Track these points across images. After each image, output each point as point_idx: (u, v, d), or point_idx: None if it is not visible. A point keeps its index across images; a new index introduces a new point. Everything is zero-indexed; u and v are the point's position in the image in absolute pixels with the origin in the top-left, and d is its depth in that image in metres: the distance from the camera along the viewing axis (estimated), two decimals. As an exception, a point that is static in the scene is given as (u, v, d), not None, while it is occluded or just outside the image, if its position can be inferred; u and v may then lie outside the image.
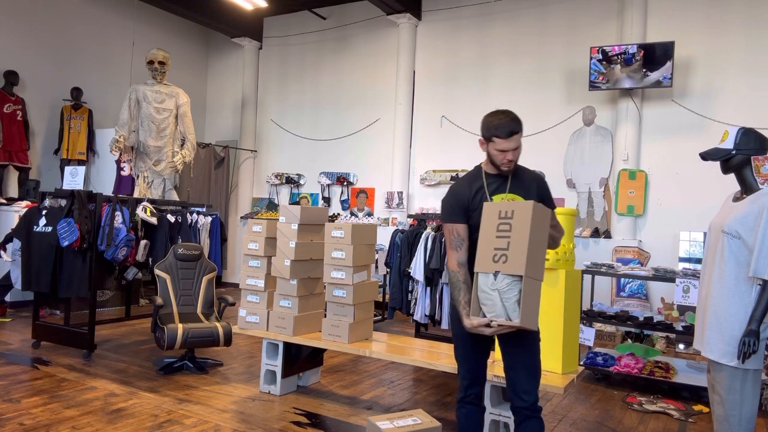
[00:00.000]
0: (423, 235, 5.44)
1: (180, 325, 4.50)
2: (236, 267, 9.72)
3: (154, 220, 5.48)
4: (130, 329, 6.26)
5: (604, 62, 7.15)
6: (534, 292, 2.31)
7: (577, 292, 3.63)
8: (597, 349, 5.43)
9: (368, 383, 4.69)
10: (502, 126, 2.49)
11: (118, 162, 8.02)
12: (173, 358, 4.90)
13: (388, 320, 6.92)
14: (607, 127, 7.55)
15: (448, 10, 8.72)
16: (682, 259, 6.77)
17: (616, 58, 7.09)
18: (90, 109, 8.49)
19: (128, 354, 5.23)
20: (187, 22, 10.33)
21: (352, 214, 9.23)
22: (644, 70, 6.95)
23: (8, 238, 5.76)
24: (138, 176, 7.52)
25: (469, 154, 8.33)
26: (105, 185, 8.15)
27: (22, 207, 6.94)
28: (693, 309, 5.33)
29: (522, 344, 2.50)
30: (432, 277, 5.33)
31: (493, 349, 3.39)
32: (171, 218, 5.66)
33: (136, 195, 7.35)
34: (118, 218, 5.06)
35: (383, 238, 7.69)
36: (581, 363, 4.94)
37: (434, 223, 5.69)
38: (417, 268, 5.40)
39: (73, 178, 5.30)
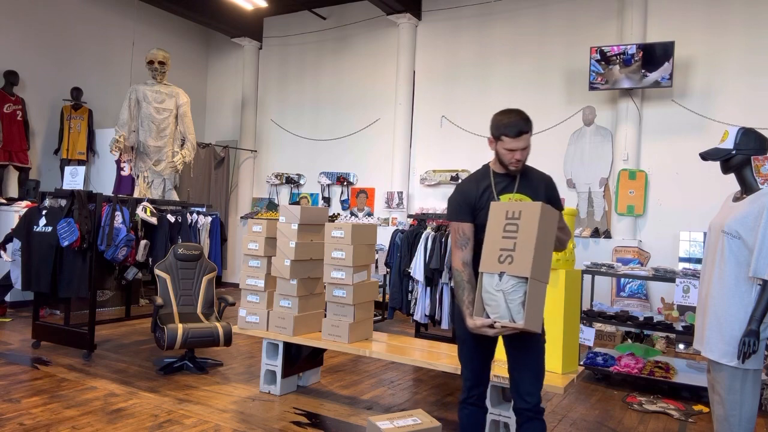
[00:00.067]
0: (423, 235, 5.44)
1: (180, 325, 4.50)
2: (236, 267, 9.72)
3: (154, 220, 5.48)
4: (130, 329, 6.26)
5: (603, 62, 7.15)
6: (539, 294, 2.29)
7: (577, 292, 3.63)
8: (597, 349, 5.43)
9: (368, 383, 4.69)
10: (511, 125, 2.45)
11: (118, 162, 8.03)
12: (173, 358, 4.90)
13: (388, 320, 6.92)
14: (607, 127, 7.55)
15: (448, 10, 8.72)
16: (682, 259, 6.77)
17: (614, 58, 7.09)
18: (90, 109, 8.49)
19: (128, 354, 5.23)
20: (187, 22, 10.33)
21: (352, 214, 9.23)
22: (643, 70, 6.95)
23: (8, 238, 5.76)
24: (138, 176, 7.52)
25: (469, 154, 8.34)
26: (105, 185, 8.15)
27: (22, 207, 6.94)
28: (693, 309, 5.33)
29: (528, 346, 2.49)
30: (432, 277, 5.32)
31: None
32: (171, 218, 5.66)
33: (136, 195, 7.35)
34: (118, 218, 5.06)
35: (383, 238, 7.69)
36: (581, 363, 4.94)
37: (434, 223, 5.69)
38: (417, 268, 5.39)
39: (73, 178, 5.30)
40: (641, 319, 5.12)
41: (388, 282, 6.39)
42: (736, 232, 2.63)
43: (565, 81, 7.82)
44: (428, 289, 5.37)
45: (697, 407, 4.36)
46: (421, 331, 5.80)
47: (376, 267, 6.78)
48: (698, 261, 6.52)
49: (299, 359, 4.37)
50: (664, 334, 6.19)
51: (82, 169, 5.34)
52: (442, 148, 8.68)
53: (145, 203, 5.53)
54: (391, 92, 9.02)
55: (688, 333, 4.73)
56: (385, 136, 9.09)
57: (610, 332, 6.17)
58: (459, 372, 3.40)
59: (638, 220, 7.28)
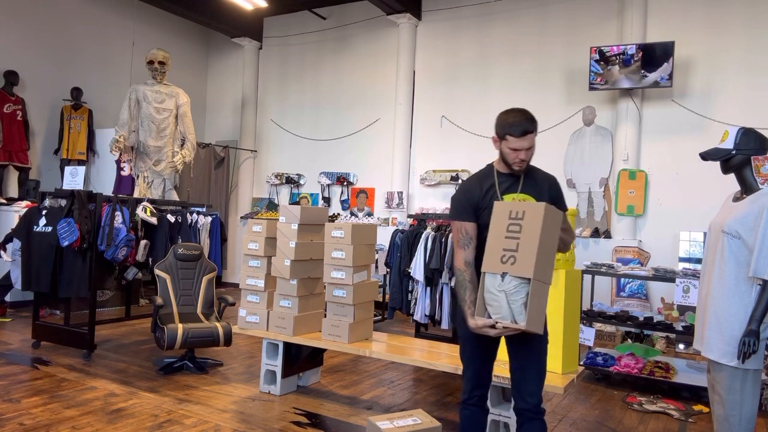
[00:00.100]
0: (423, 235, 5.44)
1: (180, 325, 4.50)
2: (236, 267, 9.72)
3: (154, 220, 5.48)
4: (130, 329, 6.26)
5: (602, 63, 7.15)
6: (541, 295, 2.27)
7: (577, 292, 3.63)
8: (597, 349, 5.43)
9: (368, 383, 4.69)
10: (516, 124, 2.43)
11: (118, 162, 8.03)
12: (173, 358, 4.90)
13: (388, 320, 6.92)
14: (607, 127, 7.55)
15: (448, 10, 8.72)
16: (682, 259, 6.77)
17: (614, 58, 7.09)
18: (90, 109, 8.49)
19: (128, 354, 5.23)
20: (187, 22, 10.33)
21: (352, 214, 9.24)
22: (642, 71, 6.95)
23: (8, 238, 5.76)
24: (138, 176, 7.52)
25: (469, 154, 8.34)
26: (105, 185, 8.15)
27: (22, 207, 6.94)
28: (693, 309, 5.33)
29: (530, 347, 2.48)
30: (432, 277, 5.32)
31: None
32: (171, 218, 5.66)
33: (136, 195, 7.35)
34: (118, 218, 5.06)
35: (383, 238, 7.69)
36: (581, 363, 4.94)
37: (434, 223, 5.69)
38: (417, 268, 5.39)
39: (73, 178, 5.30)
40: (641, 319, 5.12)
41: (388, 282, 6.39)
42: (736, 232, 2.63)
43: (565, 81, 7.82)
44: (428, 289, 5.36)
45: (697, 407, 4.36)
46: (421, 331, 5.80)
47: (376, 267, 6.78)
48: (698, 261, 6.52)
49: (299, 359, 4.37)
50: (664, 334, 6.19)
51: (82, 169, 5.34)
52: (442, 148, 8.68)
53: (145, 203, 5.53)
54: (391, 92, 9.02)
55: (688, 333, 4.73)
56: (385, 136, 9.09)
57: (610, 332, 6.17)
58: (459, 372, 3.40)
59: (638, 220, 7.28)
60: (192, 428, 3.52)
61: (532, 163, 2.61)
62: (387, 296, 6.73)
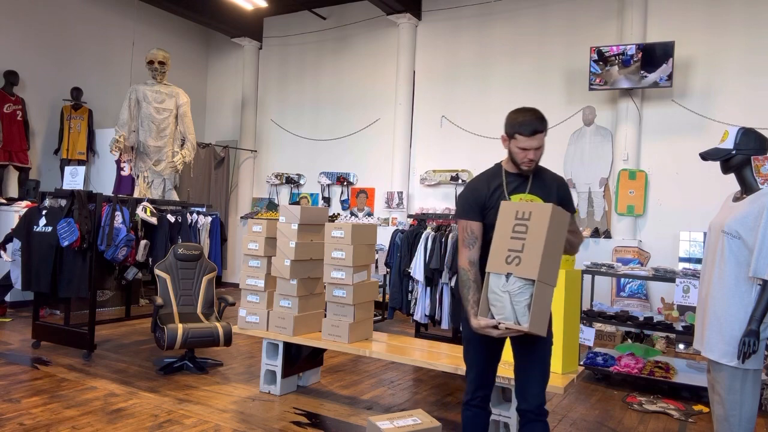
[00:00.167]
0: (423, 235, 5.44)
1: (180, 325, 4.50)
2: (236, 267, 9.72)
3: (154, 220, 5.48)
4: (130, 329, 6.26)
5: (601, 63, 7.15)
6: (545, 297, 2.25)
7: (577, 292, 3.63)
8: (597, 349, 5.43)
9: (368, 383, 4.69)
10: (525, 123, 2.40)
11: (118, 162, 8.03)
12: (173, 358, 4.90)
13: (388, 320, 6.92)
14: (607, 127, 7.55)
15: (448, 10, 8.72)
16: (682, 259, 6.77)
17: (613, 59, 7.09)
18: (90, 109, 8.49)
19: (128, 354, 5.23)
20: (187, 22, 10.33)
21: (352, 214, 9.24)
22: (642, 71, 6.95)
23: (8, 238, 5.76)
24: (138, 176, 7.52)
25: (469, 154, 8.33)
26: (105, 185, 8.15)
27: (22, 207, 6.94)
28: (693, 309, 5.33)
29: (534, 348, 2.47)
30: (432, 277, 5.33)
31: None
32: (171, 218, 5.66)
33: (136, 195, 7.35)
34: (118, 218, 5.06)
35: (383, 238, 7.69)
36: (581, 363, 4.94)
37: (434, 223, 5.69)
38: (417, 268, 5.40)
39: (73, 178, 5.30)
40: (641, 319, 5.12)
41: (388, 282, 6.39)
42: (736, 232, 2.63)
43: (565, 81, 7.82)
44: (428, 289, 5.37)
45: (697, 407, 4.36)
46: (421, 331, 5.80)
47: (376, 267, 6.78)
48: (698, 261, 6.52)
49: (299, 359, 4.37)
50: (664, 334, 6.19)
51: (82, 169, 5.34)
52: (442, 148, 8.68)
53: (145, 203, 5.53)
54: (391, 92, 9.02)
55: (688, 333, 4.73)
56: (385, 136, 9.09)
57: (610, 332, 6.17)
58: (459, 372, 3.41)
59: (638, 220, 7.28)
60: (192, 428, 3.52)
61: None
62: (387, 296, 6.74)
